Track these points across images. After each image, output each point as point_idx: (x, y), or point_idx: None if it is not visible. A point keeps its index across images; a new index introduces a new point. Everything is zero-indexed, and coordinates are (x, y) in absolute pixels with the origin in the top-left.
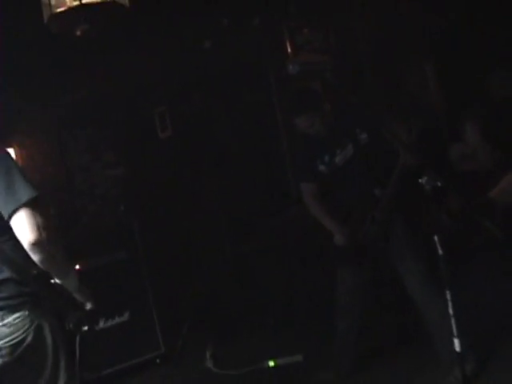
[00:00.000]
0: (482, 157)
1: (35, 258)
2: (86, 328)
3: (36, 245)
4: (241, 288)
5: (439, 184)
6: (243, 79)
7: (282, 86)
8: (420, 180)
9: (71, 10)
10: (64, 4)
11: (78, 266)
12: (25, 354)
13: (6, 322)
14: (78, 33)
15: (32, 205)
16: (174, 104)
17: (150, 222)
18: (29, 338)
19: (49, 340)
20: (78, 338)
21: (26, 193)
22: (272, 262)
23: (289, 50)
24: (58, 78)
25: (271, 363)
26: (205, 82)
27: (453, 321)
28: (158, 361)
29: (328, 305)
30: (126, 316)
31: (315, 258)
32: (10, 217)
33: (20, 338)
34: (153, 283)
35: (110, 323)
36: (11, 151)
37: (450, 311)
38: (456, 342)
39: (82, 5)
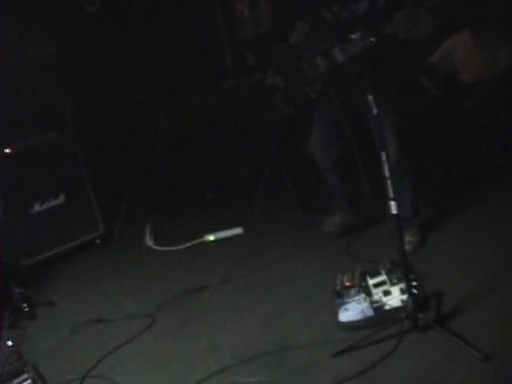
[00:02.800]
0: (423, 23)
1: None
2: None
3: None
4: (178, 163)
5: (372, 39)
6: None
7: None
8: (353, 36)
9: None
10: None
11: (8, 150)
12: None
13: None
14: None
15: None
16: None
17: (82, 102)
18: None
19: None
20: None
21: None
22: (208, 134)
23: None
24: None
25: (211, 237)
26: None
27: (389, 183)
28: (98, 241)
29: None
30: (61, 198)
31: (252, 131)
32: None
33: None
34: (86, 164)
35: (45, 206)
36: None
37: (386, 173)
38: (392, 204)
39: None
